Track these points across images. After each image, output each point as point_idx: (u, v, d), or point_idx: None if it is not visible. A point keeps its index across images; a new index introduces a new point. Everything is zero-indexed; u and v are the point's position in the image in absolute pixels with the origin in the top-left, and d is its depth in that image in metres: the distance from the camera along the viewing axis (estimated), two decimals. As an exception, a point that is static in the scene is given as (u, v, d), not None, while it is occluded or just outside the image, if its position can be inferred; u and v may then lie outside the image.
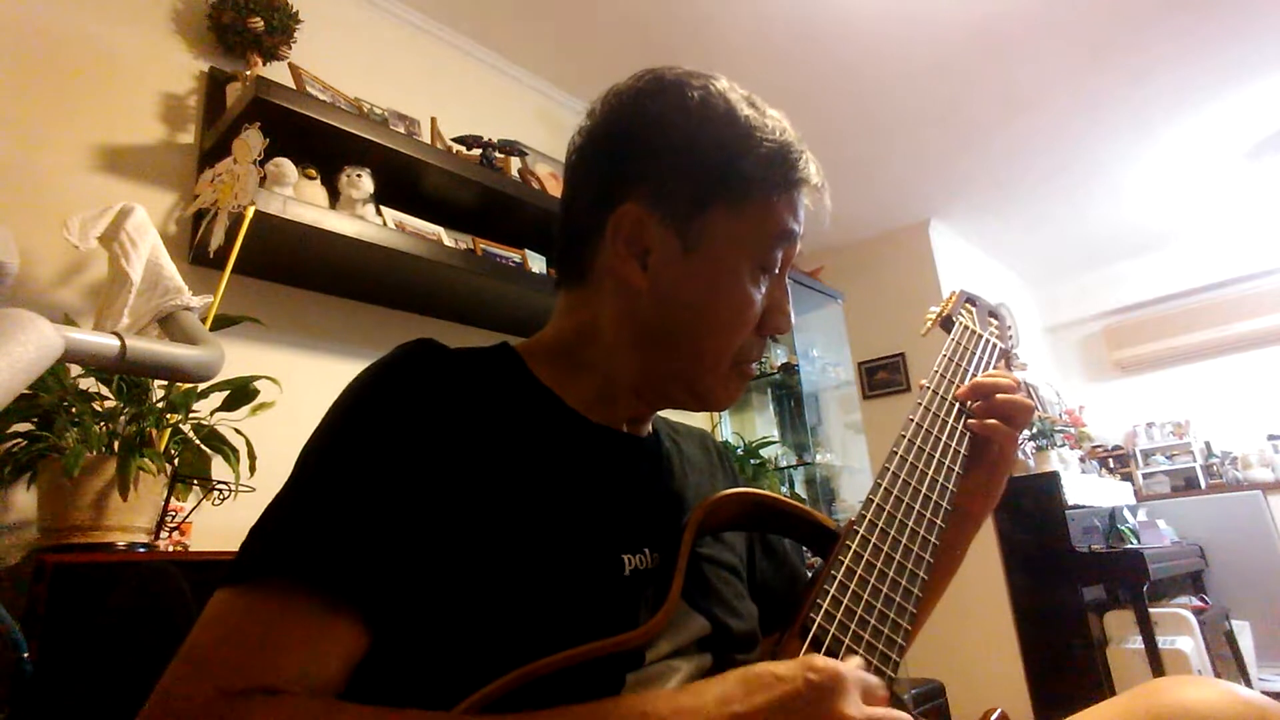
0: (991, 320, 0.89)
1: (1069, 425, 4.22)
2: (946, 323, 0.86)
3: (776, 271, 0.63)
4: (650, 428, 0.71)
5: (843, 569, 0.56)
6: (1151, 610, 3.03)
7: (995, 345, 0.84)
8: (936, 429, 0.71)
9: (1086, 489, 3.53)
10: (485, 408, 0.56)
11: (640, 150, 0.61)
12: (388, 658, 0.49)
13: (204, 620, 0.47)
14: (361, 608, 0.47)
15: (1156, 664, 2.90)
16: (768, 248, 0.61)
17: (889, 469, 0.65)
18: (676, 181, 0.60)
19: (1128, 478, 4.37)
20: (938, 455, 0.68)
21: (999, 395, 0.72)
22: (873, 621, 0.54)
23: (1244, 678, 3.32)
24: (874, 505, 0.62)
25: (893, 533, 0.60)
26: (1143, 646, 2.96)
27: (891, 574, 0.58)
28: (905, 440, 0.68)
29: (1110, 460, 4.45)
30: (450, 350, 0.59)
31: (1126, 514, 3.63)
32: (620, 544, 0.57)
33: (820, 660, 0.44)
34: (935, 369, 0.76)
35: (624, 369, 0.63)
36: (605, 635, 0.49)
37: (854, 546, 0.58)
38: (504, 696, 0.44)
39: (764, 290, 0.61)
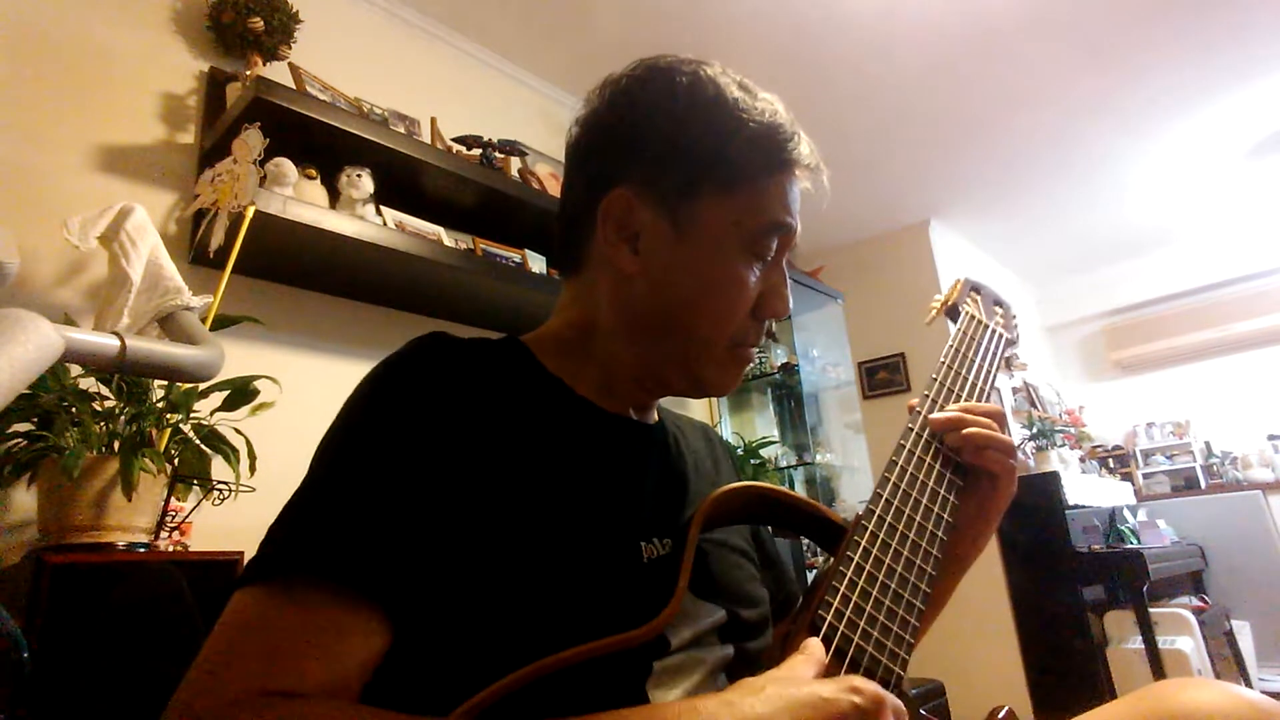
0: (996, 309, 0.88)
1: (1069, 425, 4.22)
2: (952, 312, 0.84)
3: (771, 258, 0.62)
4: (655, 416, 0.71)
5: (852, 565, 0.56)
6: (1151, 610, 3.03)
7: (1001, 336, 0.83)
8: None
9: (1086, 489, 3.53)
10: (499, 399, 0.56)
11: (629, 136, 0.62)
12: (409, 653, 0.49)
13: (224, 621, 0.47)
14: (383, 603, 0.47)
15: (1156, 664, 2.90)
16: (759, 232, 0.60)
17: (896, 462, 0.64)
18: (665, 166, 0.60)
19: (1128, 478, 4.37)
20: (944, 448, 0.67)
21: (968, 430, 0.65)
22: (882, 619, 0.54)
23: (1244, 678, 3.32)
24: (882, 499, 0.61)
25: (900, 528, 0.60)
26: (1143, 647, 2.96)
27: (900, 570, 0.57)
28: (913, 433, 0.67)
29: (1110, 460, 4.45)
30: (462, 343, 0.59)
31: (1126, 514, 3.63)
32: (638, 531, 0.57)
33: (863, 682, 0.43)
34: (942, 359, 0.75)
35: (622, 356, 0.63)
36: (627, 622, 0.49)
37: (863, 542, 0.58)
38: (524, 689, 0.44)
39: (758, 274, 0.61)
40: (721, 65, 0.64)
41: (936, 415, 0.68)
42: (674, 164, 0.60)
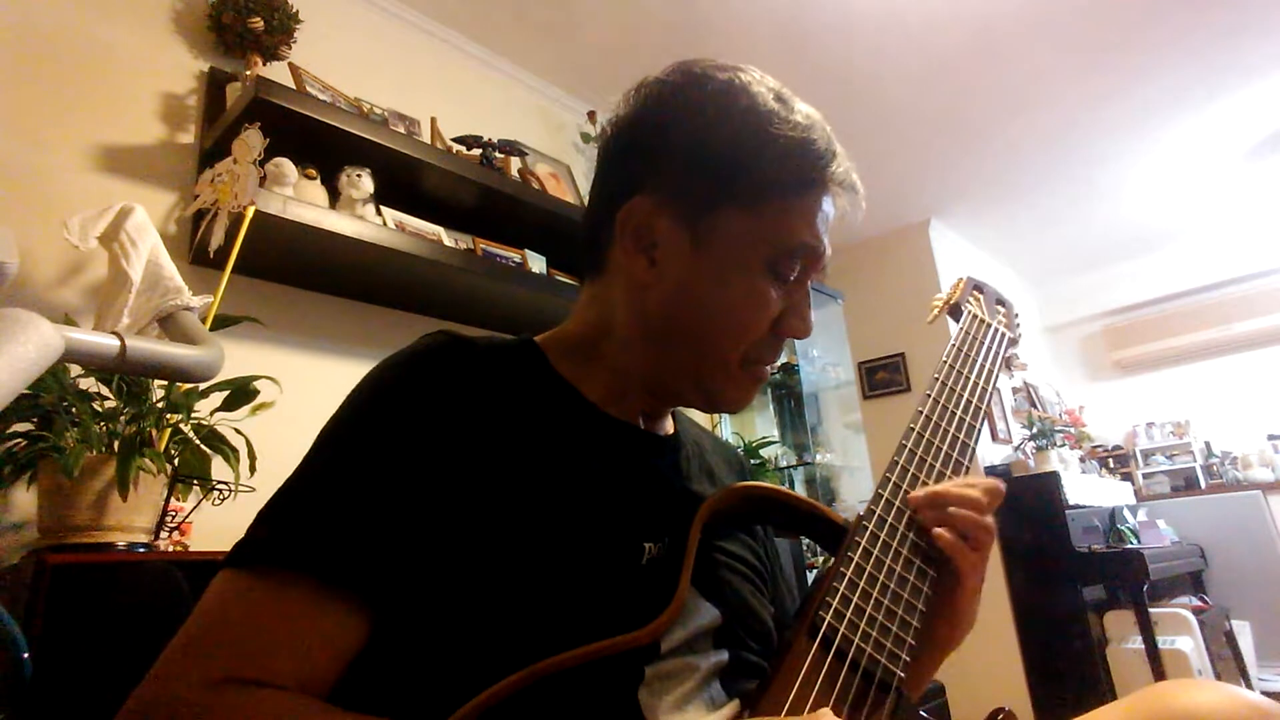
0: (999, 308, 0.88)
1: (1069, 425, 4.22)
2: (954, 311, 0.84)
3: (794, 278, 0.60)
4: (671, 428, 0.70)
5: (852, 566, 0.56)
6: (1151, 610, 3.03)
7: (1004, 335, 0.82)
8: (945, 421, 0.69)
9: (1086, 489, 3.53)
10: (503, 402, 0.56)
11: (654, 143, 0.60)
12: (404, 652, 0.49)
13: (202, 604, 0.47)
14: (358, 594, 0.47)
15: (1156, 664, 2.90)
16: (781, 253, 0.58)
17: (897, 462, 0.64)
18: (688, 176, 0.58)
19: (1128, 478, 4.37)
20: (945, 448, 0.67)
21: (952, 509, 0.60)
22: (881, 619, 0.54)
23: (1244, 678, 3.32)
24: (883, 500, 0.61)
25: (901, 528, 0.60)
26: (1143, 646, 2.96)
27: (900, 570, 0.57)
28: (914, 433, 0.67)
29: (1110, 460, 4.44)
30: (471, 343, 0.59)
31: (1126, 514, 3.63)
32: (638, 534, 0.56)
33: None
34: (944, 359, 0.75)
35: (636, 364, 0.62)
36: (623, 622, 0.49)
37: (863, 543, 0.58)
38: (517, 694, 0.44)
39: (778, 293, 0.59)
40: (760, 73, 0.62)
41: (916, 493, 0.62)
42: (697, 175, 0.58)
